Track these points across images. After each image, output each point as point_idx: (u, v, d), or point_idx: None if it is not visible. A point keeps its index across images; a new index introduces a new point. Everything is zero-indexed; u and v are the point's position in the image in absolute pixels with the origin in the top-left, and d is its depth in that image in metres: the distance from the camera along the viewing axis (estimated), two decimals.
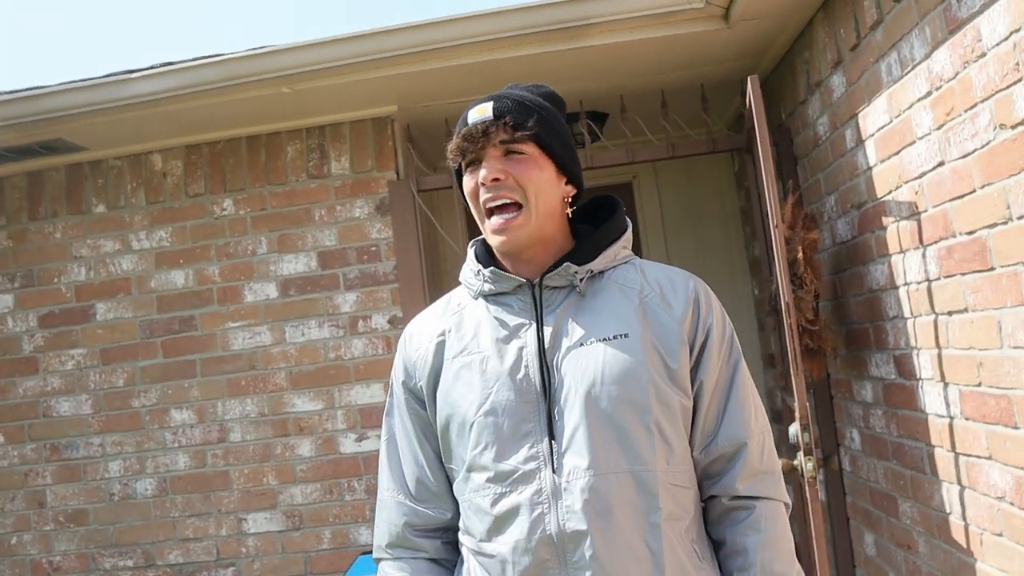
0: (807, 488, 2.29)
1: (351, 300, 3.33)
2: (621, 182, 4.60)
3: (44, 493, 3.39)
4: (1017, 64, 1.71)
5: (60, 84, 3.07)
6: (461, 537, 1.31)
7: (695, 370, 1.26)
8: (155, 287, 3.41)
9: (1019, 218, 1.77)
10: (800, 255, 2.54)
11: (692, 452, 1.26)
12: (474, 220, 1.32)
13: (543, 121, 1.29)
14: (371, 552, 3.15)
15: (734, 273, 4.43)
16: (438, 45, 2.92)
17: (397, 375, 1.39)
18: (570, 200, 1.35)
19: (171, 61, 3.12)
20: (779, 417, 3.93)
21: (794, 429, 2.34)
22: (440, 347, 1.32)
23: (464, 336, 1.31)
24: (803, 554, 2.60)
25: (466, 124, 1.28)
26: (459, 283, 1.43)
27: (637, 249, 1.51)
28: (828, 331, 2.70)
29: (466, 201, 1.36)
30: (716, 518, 1.28)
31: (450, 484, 1.34)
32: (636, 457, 1.19)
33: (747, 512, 1.25)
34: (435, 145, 3.69)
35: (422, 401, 1.35)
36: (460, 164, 1.32)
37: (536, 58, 3.00)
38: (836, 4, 2.59)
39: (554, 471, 1.19)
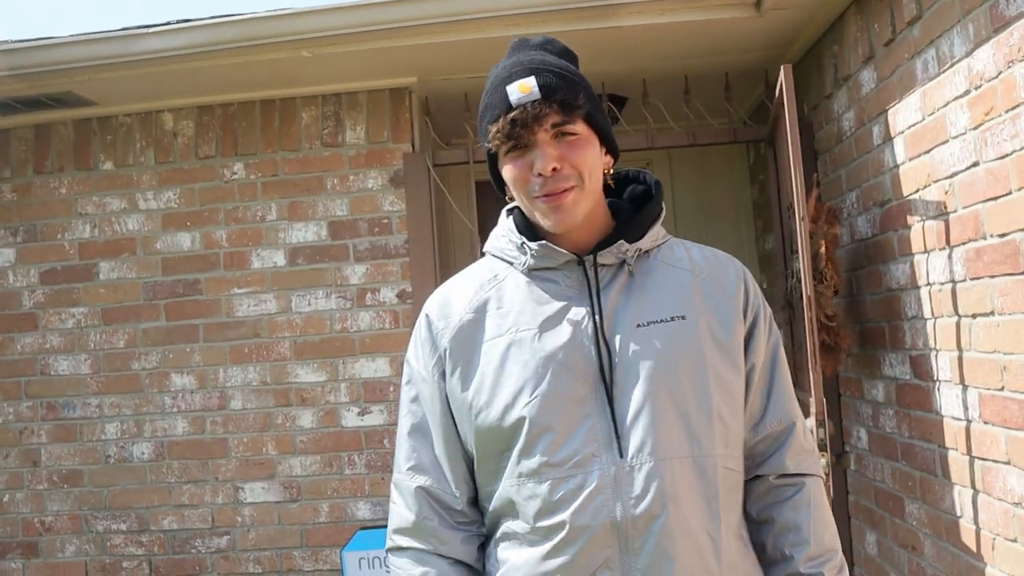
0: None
1: (360, 272, 3.29)
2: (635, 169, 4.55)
3: (39, 452, 3.35)
4: None
5: (72, 36, 3.00)
6: (506, 524, 1.20)
7: (746, 351, 1.25)
8: (160, 249, 3.35)
9: None
10: (822, 250, 2.51)
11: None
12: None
13: (587, 92, 1.21)
14: (371, 527, 3.14)
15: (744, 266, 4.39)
16: (460, 17, 2.86)
17: (422, 352, 1.27)
18: (609, 171, 1.29)
19: (188, 18, 3.05)
20: None
21: (809, 424, 2.31)
22: (478, 323, 1.24)
23: (507, 312, 1.23)
24: None
25: (507, 103, 1.16)
26: (481, 255, 1.35)
27: None
28: (844, 328, 2.68)
29: (498, 181, 1.29)
30: (759, 496, 1.26)
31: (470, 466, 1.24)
32: (697, 442, 1.16)
33: (795, 489, 1.24)
34: (452, 119, 3.64)
35: (445, 377, 1.25)
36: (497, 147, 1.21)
37: (560, 36, 2.91)
38: None
39: (620, 455, 1.14)
